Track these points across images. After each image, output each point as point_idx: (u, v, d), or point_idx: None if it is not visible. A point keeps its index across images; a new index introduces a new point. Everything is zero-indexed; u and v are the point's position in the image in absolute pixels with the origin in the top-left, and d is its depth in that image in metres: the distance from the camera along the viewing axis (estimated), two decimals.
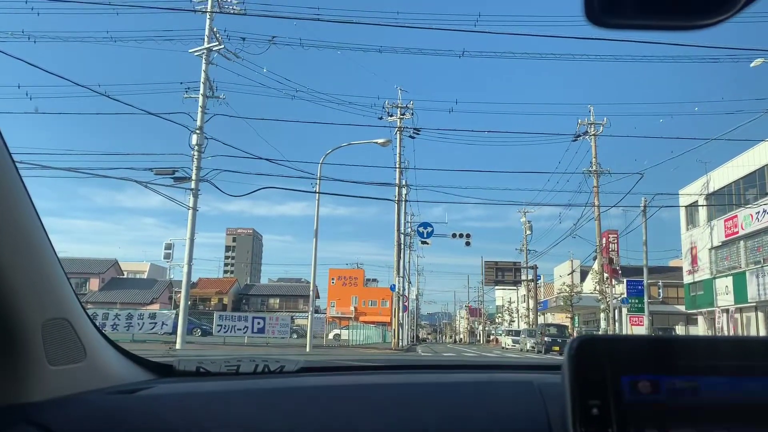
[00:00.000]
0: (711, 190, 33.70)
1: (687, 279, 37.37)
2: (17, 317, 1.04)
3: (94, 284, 59.35)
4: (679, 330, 40.48)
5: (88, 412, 1.11)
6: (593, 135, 33.69)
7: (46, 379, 1.10)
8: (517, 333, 46.74)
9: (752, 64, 22.01)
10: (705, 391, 0.91)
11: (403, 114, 31.65)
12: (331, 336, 38.55)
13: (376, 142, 25.92)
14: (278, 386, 1.32)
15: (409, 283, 50.17)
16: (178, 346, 19.37)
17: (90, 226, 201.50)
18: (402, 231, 33.12)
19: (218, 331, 26.90)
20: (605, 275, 35.59)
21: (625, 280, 38.32)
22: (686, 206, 36.34)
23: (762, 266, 28.32)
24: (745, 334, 29.75)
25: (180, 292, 23.14)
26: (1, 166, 1.00)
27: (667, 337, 0.98)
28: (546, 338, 32.81)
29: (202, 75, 21.96)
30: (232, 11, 22.83)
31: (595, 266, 37.87)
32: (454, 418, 1.14)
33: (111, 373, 1.28)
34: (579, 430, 0.88)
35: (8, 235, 1.01)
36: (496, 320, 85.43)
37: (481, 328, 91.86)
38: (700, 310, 35.49)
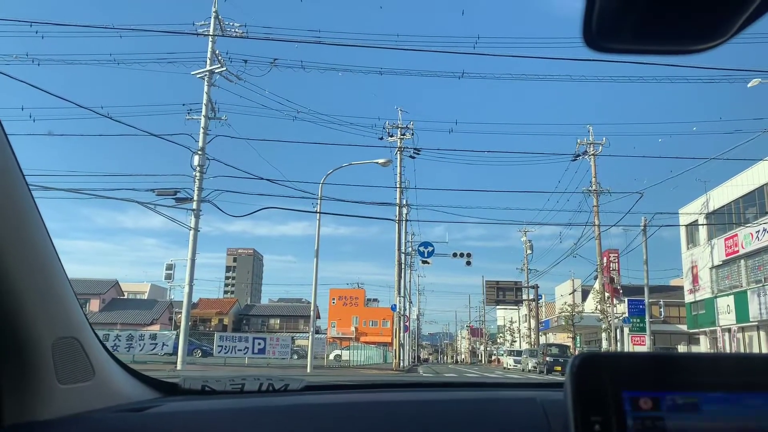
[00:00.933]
0: (711, 209, 33.74)
1: (688, 298, 37.25)
2: (29, 336, 1.05)
3: (94, 305, 59.13)
4: (682, 350, 40.24)
5: (96, 431, 1.12)
6: (592, 155, 33.81)
7: (56, 397, 1.11)
8: (519, 353, 46.43)
9: (749, 84, 22.16)
10: (705, 406, 0.92)
11: (404, 134, 31.77)
12: (331, 357, 38.33)
13: (377, 162, 26.00)
14: (283, 404, 1.33)
15: (410, 303, 50.04)
16: (179, 367, 19.26)
17: (92, 247, 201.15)
18: (403, 251, 33.08)
19: (219, 352, 26.79)
20: (606, 294, 35.48)
21: (626, 300, 38.18)
22: (686, 225, 36.35)
23: (763, 285, 28.24)
24: (748, 352, 29.57)
25: (180, 312, 23.06)
26: (15, 187, 1.03)
27: (668, 354, 0.99)
28: (548, 358, 32.58)
29: (204, 97, 22.11)
30: (233, 34, 23.04)
31: (596, 285, 37.78)
32: None
33: (118, 391, 1.29)
34: None
35: (20, 255, 1.03)
36: (498, 340, 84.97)
37: (482, 348, 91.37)
38: (702, 330, 35.34)
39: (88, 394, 1.19)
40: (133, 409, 1.24)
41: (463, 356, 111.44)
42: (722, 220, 32.58)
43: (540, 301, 53.82)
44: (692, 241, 36.71)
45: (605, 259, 35.93)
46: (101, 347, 1.29)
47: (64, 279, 1.16)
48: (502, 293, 51.37)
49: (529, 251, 53.75)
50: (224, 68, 22.48)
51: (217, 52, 22.51)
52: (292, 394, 1.49)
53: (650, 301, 34.85)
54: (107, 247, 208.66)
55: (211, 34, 22.36)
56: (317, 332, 34.88)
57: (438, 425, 1.19)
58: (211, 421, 1.21)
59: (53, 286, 1.11)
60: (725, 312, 31.97)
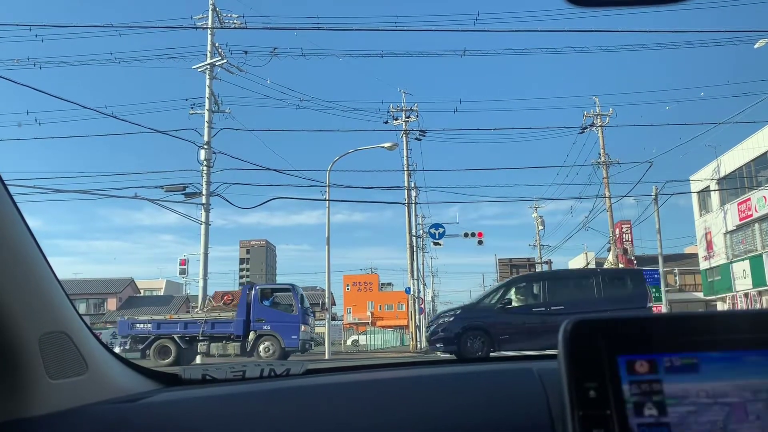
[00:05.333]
0: (722, 174, 33.45)
1: (703, 265, 37.09)
2: (13, 332, 1.04)
3: (111, 304, 59.70)
4: None
5: (90, 423, 1.11)
6: (600, 126, 33.54)
7: (47, 393, 1.10)
8: None
9: (756, 45, 21.88)
10: (703, 366, 0.89)
11: (408, 117, 31.65)
12: (349, 342, 38.61)
13: (383, 147, 25.92)
14: (284, 387, 1.32)
15: (424, 285, 50.12)
16: (197, 361, 19.43)
17: (109, 247, 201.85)
18: (414, 233, 33.08)
19: None
20: (620, 266, 35.36)
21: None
22: (697, 192, 36.09)
23: None
24: None
25: (197, 306, 23.24)
26: None
27: (663, 314, 0.96)
28: None
29: (207, 90, 22.09)
30: (232, 26, 22.96)
31: (610, 257, 37.67)
32: (457, 406, 1.14)
33: (115, 384, 1.28)
34: (577, 413, 0.87)
35: None
36: None
37: None
38: (719, 296, 35.19)
39: (81, 389, 1.18)
40: (129, 400, 1.23)
41: None
42: (734, 184, 32.32)
43: None
44: (705, 207, 36.48)
45: (618, 230, 35.78)
46: (95, 340, 1.28)
47: (48, 273, 1.14)
48: (516, 270, 51.37)
49: (540, 227, 53.61)
50: (225, 60, 22.42)
51: (216, 44, 22.45)
52: (294, 378, 1.49)
53: (665, 269, 34.71)
54: (125, 246, 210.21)
55: (209, 26, 22.29)
56: (333, 319, 35.07)
57: (436, 399, 1.18)
58: (210, 408, 1.20)
59: (36, 281, 1.10)
60: (741, 277, 31.82)
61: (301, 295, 19.76)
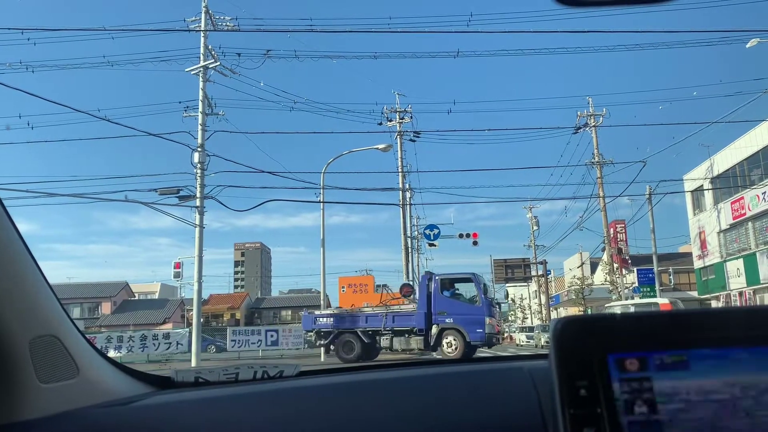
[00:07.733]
0: (715, 173, 33.56)
1: (697, 264, 37.18)
2: (2, 336, 1.04)
3: (106, 308, 59.49)
4: None
5: (82, 427, 1.11)
6: (593, 126, 33.60)
7: (38, 397, 1.09)
8: (531, 329, 46.58)
9: (748, 45, 21.95)
10: (693, 364, 0.90)
11: (402, 118, 31.61)
12: None
13: (377, 148, 25.91)
14: (276, 389, 1.32)
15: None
16: (193, 364, 19.35)
17: (105, 251, 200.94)
18: (409, 235, 33.05)
19: (233, 347, 26.94)
20: (615, 265, 35.44)
21: (635, 269, 38.14)
22: (691, 191, 36.20)
23: None
24: None
25: (192, 310, 23.17)
26: None
27: (653, 312, 0.97)
28: None
29: (200, 93, 22.01)
30: (225, 28, 22.89)
31: (605, 257, 37.73)
32: (449, 406, 1.14)
33: (107, 388, 1.27)
34: (567, 412, 0.87)
35: None
36: (509, 318, 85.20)
37: None
38: (714, 295, 35.29)
39: (73, 392, 1.17)
40: (120, 403, 1.22)
41: None
42: (727, 183, 32.43)
43: (549, 276, 53.77)
44: (698, 206, 36.59)
45: (612, 230, 35.84)
46: (86, 344, 1.27)
47: (38, 277, 1.14)
48: (511, 271, 51.30)
49: (535, 227, 53.66)
50: (218, 63, 22.34)
51: (209, 47, 22.37)
52: (287, 379, 1.48)
53: (659, 269, 34.78)
54: (121, 250, 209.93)
55: (202, 29, 22.21)
56: None
57: (428, 399, 1.18)
58: (203, 410, 1.20)
59: (26, 285, 1.10)
60: (735, 276, 31.91)
61: (484, 284, 18.71)
